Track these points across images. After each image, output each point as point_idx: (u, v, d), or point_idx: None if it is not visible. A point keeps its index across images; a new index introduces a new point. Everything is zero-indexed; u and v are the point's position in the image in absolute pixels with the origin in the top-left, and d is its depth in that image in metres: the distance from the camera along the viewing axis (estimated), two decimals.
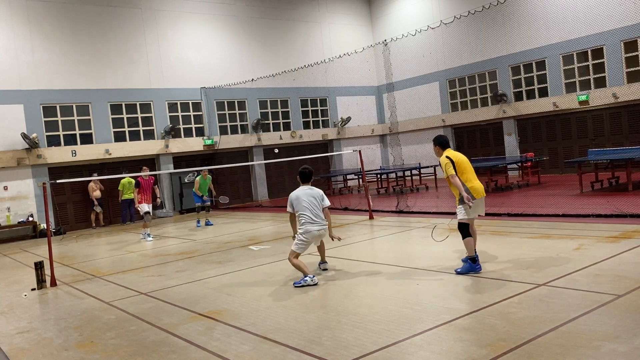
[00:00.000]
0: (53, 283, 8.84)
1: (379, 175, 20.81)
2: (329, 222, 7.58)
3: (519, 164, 18.21)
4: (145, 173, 13.64)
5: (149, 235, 13.83)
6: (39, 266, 8.73)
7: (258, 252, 10.18)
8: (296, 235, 7.49)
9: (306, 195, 7.47)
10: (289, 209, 7.58)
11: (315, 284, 7.04)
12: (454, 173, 6.97)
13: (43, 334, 6.17)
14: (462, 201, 6.96)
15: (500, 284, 6.21)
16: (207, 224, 15.69)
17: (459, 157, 7.17)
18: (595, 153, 15.42)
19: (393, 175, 20.95)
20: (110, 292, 8.04)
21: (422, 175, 20.51)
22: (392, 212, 14.02)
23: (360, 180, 19.75)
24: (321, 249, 7.95)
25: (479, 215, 7.23)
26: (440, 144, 7.31)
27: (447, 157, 7.10)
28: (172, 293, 7.49)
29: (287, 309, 6.13)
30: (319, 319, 5.60)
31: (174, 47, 21.11)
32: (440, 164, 7.23)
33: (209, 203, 15.95)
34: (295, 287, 7.05)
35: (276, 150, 18.64)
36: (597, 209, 10.57)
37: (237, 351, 4.91)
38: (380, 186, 20.86)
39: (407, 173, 20.67)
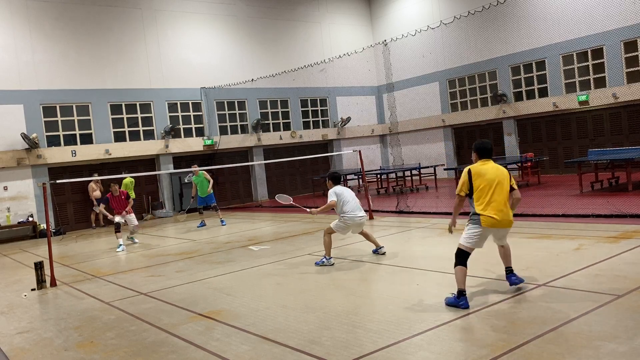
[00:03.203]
0: (53, 283, 8.84)
1: (379, 175, 20.81)
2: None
3: (519, 164, 18.20)
4: (115, 188, 12.83)
5: (121, 245, 12.42)
6: (38, 266, 8.73)
7: (258, 252, 10.19)
8: (340, 218, 8.38)
9: (347, 190, 8.59)
10: (333, 198, 8.40)
11: (332, 264, 8.20)
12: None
13: (43, 334, 6.17)
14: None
15: (500, 284, 6.20)
16: (222, 223, 15.30)
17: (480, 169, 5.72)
18: (595, 153, 15.42)
19: (393, 175, 20.95)
20: (110, 292, 8.04)
21: (422, 175, 20.50)
22: (392, 212, 14.02)
23: (360, 180, 19.72)
24: (370, 238, 8.83)
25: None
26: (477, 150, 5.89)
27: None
28: (172, 293, 7.49)
29: (287, 309, 6.13)
30: (319, 319, 5.60)
31: (174, 47, 21.10)
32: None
33: (214, 203, 15.63)
34: (316, 265, 8.28)
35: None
36: (597, 209, 10.57)
37: (237, 351, 4.91)
38: (380, 186, 20.85)
39: (407, 173, 20.67)
